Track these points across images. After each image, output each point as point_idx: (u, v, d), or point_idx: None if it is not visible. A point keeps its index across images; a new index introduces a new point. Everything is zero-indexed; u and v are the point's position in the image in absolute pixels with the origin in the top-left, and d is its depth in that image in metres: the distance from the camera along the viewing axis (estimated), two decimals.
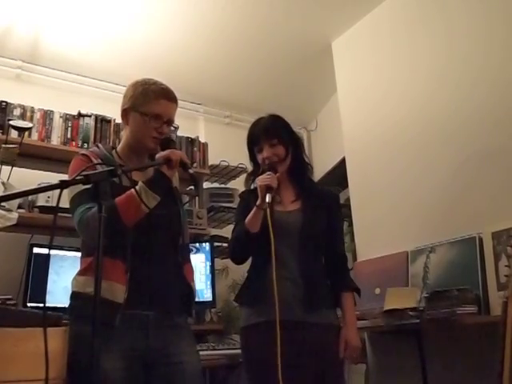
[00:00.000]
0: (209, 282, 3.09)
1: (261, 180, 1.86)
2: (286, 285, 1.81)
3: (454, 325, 2.08)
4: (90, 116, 3.10)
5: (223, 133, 3.91)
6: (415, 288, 2.41)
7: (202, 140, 3.55)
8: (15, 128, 2.68)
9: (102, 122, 3.13)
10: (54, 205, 2.55)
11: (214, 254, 3.20)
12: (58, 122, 3.01)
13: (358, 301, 2.05)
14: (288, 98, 3.73)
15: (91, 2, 2.91)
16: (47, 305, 1.35)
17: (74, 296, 1.61)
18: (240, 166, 3.47)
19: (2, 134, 2.76)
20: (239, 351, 2.01)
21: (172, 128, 1.77)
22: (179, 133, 3.13)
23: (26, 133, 2.75)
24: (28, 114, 2.93)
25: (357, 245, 3.05)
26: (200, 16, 3.09)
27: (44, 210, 2.76)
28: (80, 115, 3.08)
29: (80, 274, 1.62)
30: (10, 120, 2.73)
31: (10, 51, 3.16)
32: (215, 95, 3.86)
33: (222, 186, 3.74)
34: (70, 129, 3.03)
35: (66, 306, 1.61)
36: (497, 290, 2.07)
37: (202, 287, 3.05)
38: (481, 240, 2.23)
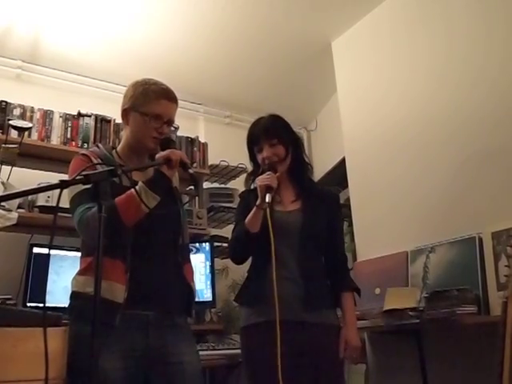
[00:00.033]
0: (209, 282, 3.09)
1: (261, 180, 1.86)
2: (286, 285, 1.81)
3: (454, 325, 2.09)
4: (89, 116, 3.10)
5: (223, 133, 3.91)
6: (415, 288, 2.41)
7: (202, 140, 3.55)
8: (15, 128, 2.68)
9: (101, 121, 3.13)
10: (54, 205, 2.55)
11: (214, 253, 3.20)
12: (57, 121, 3.01)
13: (358, 301, 2.05)
14: (288, 98, 3.73)
15: (91, 2, 2.91)
16: (47, 305, 1.35)
17: (74, 296, 1.61)
18: (240, 165, 3.47)
19: (2, 133, 2.76)
20: (239, 351, 2.01)
21: (172, 128, 1.77)
22: (179, 133, 3.13)
23: (26, 133, 2.75)
24: (28, 113, 2.92)
25: (357, 245, 3.05)
26: (200, 16, 3.09)
27: (44, 209, 2.76)
28: (80, 115, 3.08)
29: (80, 273, 1.62)
30: (9, 120, 2.73)
31: (10, 51, 3.16)
32: (215, 95, 3.86)
33: (222, 185, 3.73)
34: (69, 129, 3.03)
35: (66, 305, 1.61)
36: (496, 290, 2.07)
37: (202, 287, 3.05)
38: (481, 240, 2.23)
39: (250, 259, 2.00)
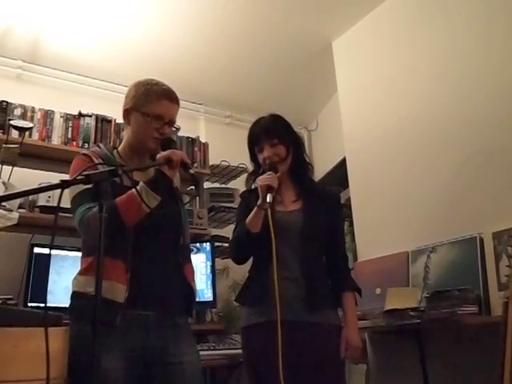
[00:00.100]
0: (209, 282, 3.09)
1: (261, 180, 1.86)
2: (287, 285, 1.81)
3: (455, 325, 2.09)
4: (90, 116, 3.10)
5: (224, 133, 3.91)
6: (416, 288, 2.41)
7: (203, 140, 3.55)
8: (16, 128, 2.68)
9: (102, 121, 3.13)
10: (55, 205, 2.56)
11: (215, 253, 3.20)
12: (58, 121, 3.00)
13: (359, 301, 2.04)
14: (288, 98, 3.73)
15: (91, 2, 2.91)
16: (48, 305, 1.35)
17: (75, 296, 1.61)
18: (240, 165, 3.47)
19: (3, 133, 2.77)
20: (240, 351, 2.01)
21: (173, 129, 1.77)
22: (180, 133, 3.13)
23: (27, 133, 2.75)
24: (29, 113, 2.92)
25: (357, 245, 3.05)
26: (200, 16, 3.09)
27: (45, 209, 2.76)
28: (80, 115, 3.08)
29: (81, 273, 1.62)
30: (10, 120, 2.73)
31: (11, 51, 3.16)
32: (216, 95, 3.86)
33: (223, 186, 3.73)
34: (70, 129, 3.03)
35: (67, 305, 1.61)
36: (497, 290, 2.07)
37: (203, 287, 3.05)
38: (481, 240, 2.23)
39: (250, 259, 1.99)
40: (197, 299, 1.78)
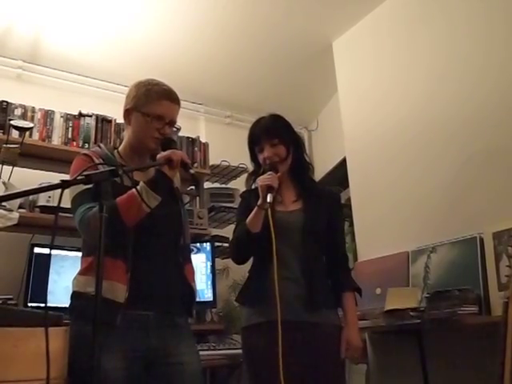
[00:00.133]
0: (209, 282, 3.09)
1: (262, 180, 1.86)
2: (287, 285, 1.81)
3: (455, 325, 2.08)
4: (90, 116, 3.10)
5: (224, 133, 3.91)
6: (416, 288, 2.41)
7: (203, 140, 3.55)
8: (16, 128, 2.68)
9: (102, 121, 3.13)
10: (55, 205, 2.56)
11: (215, 253, 3.20)
12: (58, 121, 3.00)
13: (359, 301, 2.04)
14: (289, 98, 3.73)
15: (91, 2, 2.91)
16: (48, 305, 1.35)
17: (75, 296, 1.61)
18: (241, 165, 3.47)
19: (3, 133, 2.77)
20: (240, 351, 2.01)
21: (174, 129, 1.77)
22: (180, 133, 3.13)
23: (27, 133, 2.75)
24: (29, 113, 2.93)
25: (357, 245, 3.05)
26: (200, 16, 3.09)
27: (45, 209, 2.76)
28: (81, 115, 3.08)
29: (81, 273, 1.62)
30: (10, 120, 2.73)
31: (11, 51, 3.16)
32: (216, 95, 3.86)
33: (223, 186, 3.73)
34: (70, 129, 3.03)
35: (67, 305, 1.61)
36: (498, 290, 2.07)
37: (203, 287, 3.05)
38: (482, 240, 2.23)
39: (250, 259, 1.99)
40: (197, 299, 1.78)
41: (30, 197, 2.76)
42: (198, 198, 3.45)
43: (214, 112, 3.99)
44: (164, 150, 1.62)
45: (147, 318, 1.59)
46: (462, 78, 2.53)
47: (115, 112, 2.79)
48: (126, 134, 1.78)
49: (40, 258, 2.74)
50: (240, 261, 1.99)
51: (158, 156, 1.62)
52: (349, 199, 3.21)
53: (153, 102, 1.67)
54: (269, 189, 1.81)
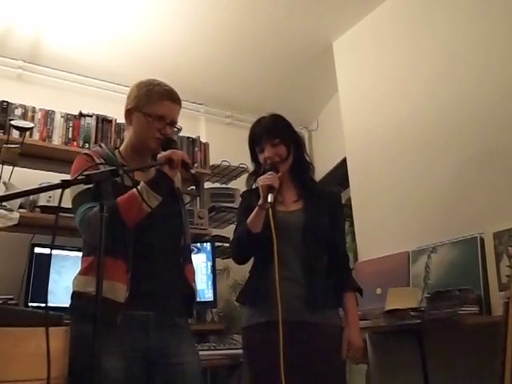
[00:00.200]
0: (210, 282, 3.09)
1: (262, 180, 1.86)
2: (288, 285, 1.81)
3: (456, 325, 2.08)
4: (91, 116, 3.10)
5: (224, 133, 3.91)
6: (416, 288, 2.41)
7: (203, 140, 3.54)
8: (16, 128, 2.68)
9: (103, 121, 3.13)
10: (56, 205, 2.57)
11: (215, 254, 3.20)
12: (59, 121, 3.00)
13: (360, 301, 2.04)
14: (289, 98, 3.73)
15: (92, 2, 2.91)
16: (48, 305, 1.35)
17: (75, 296, 1.61)
18: (241, 166, 3.47)
19: (4, 133, 2.77)
20: (240, 351, 2.01)
21: (175, 129, 1.77)
22: (180, 133, 3.13)
23: (28, 133, 2.75)
24: (29, 113, 2.93)
25: (358, 245, 3.05)
26: (201, 16, 3.09)
27: (45, 209, 2.76)
28: (81, 115, 3.08)
29: (81, 273, 1.62)
30: (11, 120, 2.73)
31: (11, 51, 3.16)
32: (216, 95, 3.86)
33: (223, 186, 3.73)
34: (71, 129, 3.03)
35: (68, 305, 1.61)
36: (498, 290, 2.07)
37: (203, 287, 3.05)
38: (482, 240, 2.23)
39: (251, 259, 1.99)
40: (197, 299, 1.78)
41: (31, 197, 2.76)
42: (198, 198, 3.45)
43: (214, 112, 3.99)
44: (164, 150, 1.62)
45: (147, 318, 1.59)
46: (462, 78, 2.53)
47: (115, 112, 2.79)
48: (127, 134, 1.78)
49: (40, 258, 2.74)
50: (241, 261, 1.99)
51: (159, 156, 1.62)
52: (349, 199, 3.21)
53: (154, 102, 1.67)
54: (270, 189, 1.81)
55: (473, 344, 2.21)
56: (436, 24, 2.71)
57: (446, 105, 2.60)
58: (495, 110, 2.34)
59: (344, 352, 1.87)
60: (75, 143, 3.02)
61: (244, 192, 2.13)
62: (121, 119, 1.77)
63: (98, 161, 1.61)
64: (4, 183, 2.59)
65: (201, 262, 3.09)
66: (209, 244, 3.17)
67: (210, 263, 3.13)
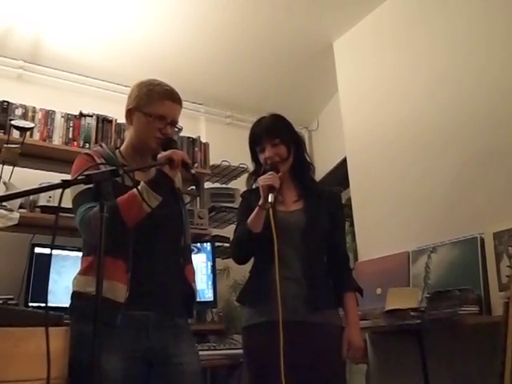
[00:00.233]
0: (210, 282, 3.09)
1: (263, 180, 1.86)
2: (288, 285, 1.81)
3: (456, 325, 2.08)
4: (91, 116, 3.10)
5: (224, 133, 3.91)
6: (417, 288, 2.41)
7: (203, 140, 3.55)
8: (17, 128, 2.68)
9: (103, 121, 3.13)
10: (56, 205, 2.57)
11: (216, 254, 3.20)
12: (59, 121, 3.01)
13: (360, 301, 2.04)
14: (289, 98, 3.73)
15: (92, 2, 2.92)
16: (49, 305, 1.35)
17: (75, 296, 1.61)
18: (241, 166, 3.47)
19: (4, 133, 2.77)
20: (240, 351, 2.01)
21: (176, 129, 1.77)
22: (180, 133, 3.13)
23: (28, 133, 2.75)
24: (30, 113, 2.93)
25: (358, 245, 3.05)
26: (201, 16, 3.09)
27: (45, 209, 2.76)
28: (81, 115, 3.08)
29: (81, 273, 1.62)
30: (11, 120, 2.73)
31: (12, 51, 3.16)
32: (216, 95, 3.86)
33: (224, 186, 3.73)
34: (71, 129, 3.03)
35: (68, 305, 1.61)
36: (498, 290, 2.07)
37: (203, 287, 3.06)
38: (482, 240, 2.23)
39: (251, 259, 1.99)
40: (197, 299, 1.78)
41: (31, 197, 2.76)
42: (198, 198, 3.45)
43: (214, 112, 3.99)
44: (164, 150, 1.62)
45: (147, 318, 1.59)
46: (462, 78, 2.53)
47: (116, 112, 2.80)
48: (128, 134, 1.78)
49: (41, 258, 2.74)
50: (241, 261, 1.99)
51: (159, 156, 1.62)
52: (349, 199, 3.21)
53: (155, 102, 1.67)
54: (270, 189, 1.81)
55: (473, 344, 2.21)
56: (436, 24, 2.71)
57: (445, 105, 2.60)
58: (495, 110, 2.34)
59: (344, 352, 1.87)
60: (75, 143, 3.02)
61: (244, 192, 2.13)
62: (121, 119, 1.77)
63: (98, 160, 1.61)
64: (4, 183, 2.59)
65: (201, 262, 3.09)
66: (209, 244, 3.17)
67: (210, 263, 3.13)
